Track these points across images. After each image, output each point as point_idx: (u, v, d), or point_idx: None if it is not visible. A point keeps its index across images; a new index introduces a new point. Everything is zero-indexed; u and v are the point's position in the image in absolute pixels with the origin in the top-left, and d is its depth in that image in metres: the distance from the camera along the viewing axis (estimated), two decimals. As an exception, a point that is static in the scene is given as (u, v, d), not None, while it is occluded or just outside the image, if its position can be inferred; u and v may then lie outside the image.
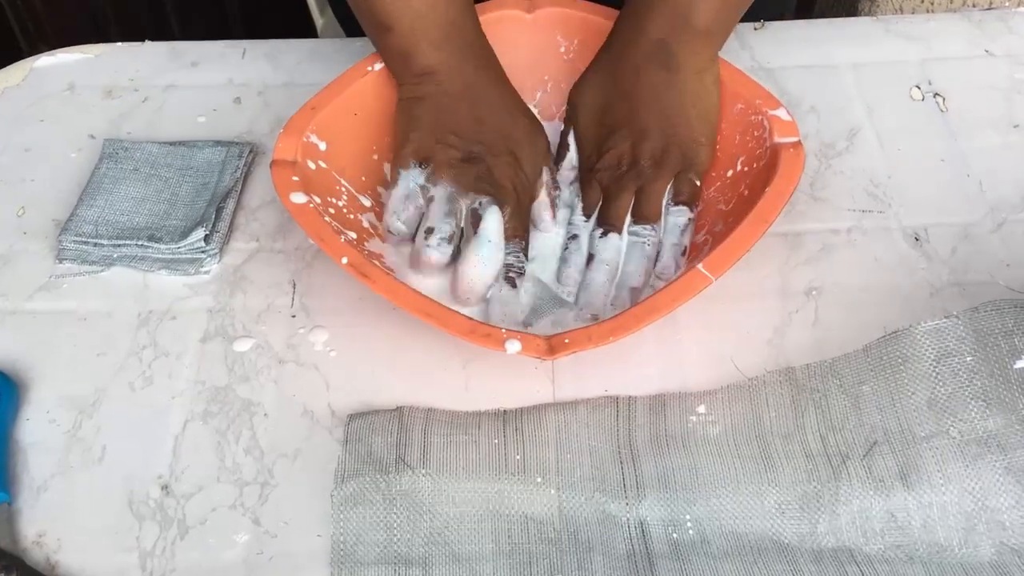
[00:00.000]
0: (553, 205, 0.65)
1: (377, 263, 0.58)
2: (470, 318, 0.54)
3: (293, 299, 0.62)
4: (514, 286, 0.60)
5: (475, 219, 0.60)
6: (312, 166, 0.61)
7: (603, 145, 0.64)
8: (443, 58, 0.63)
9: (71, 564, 0.51)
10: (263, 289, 0.63)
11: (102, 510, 0.53)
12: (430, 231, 0.60)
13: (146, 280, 0.63)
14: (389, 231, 0.62)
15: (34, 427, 0.56)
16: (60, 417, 0.57)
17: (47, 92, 0.76)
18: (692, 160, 0.63)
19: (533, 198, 0.64)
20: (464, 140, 0.62)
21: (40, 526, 0.52)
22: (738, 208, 0.60)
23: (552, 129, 0.69)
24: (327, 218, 0.58)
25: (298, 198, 0.58)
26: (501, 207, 0.60)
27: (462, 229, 0.61)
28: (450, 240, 0.60)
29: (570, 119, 0.67)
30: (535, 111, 0.70)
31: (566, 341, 0.53)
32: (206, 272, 0.63)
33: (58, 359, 0.59)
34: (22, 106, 0.75)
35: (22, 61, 0.78)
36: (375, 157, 0.66)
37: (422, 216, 0.61)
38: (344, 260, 0.55)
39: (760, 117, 0.61)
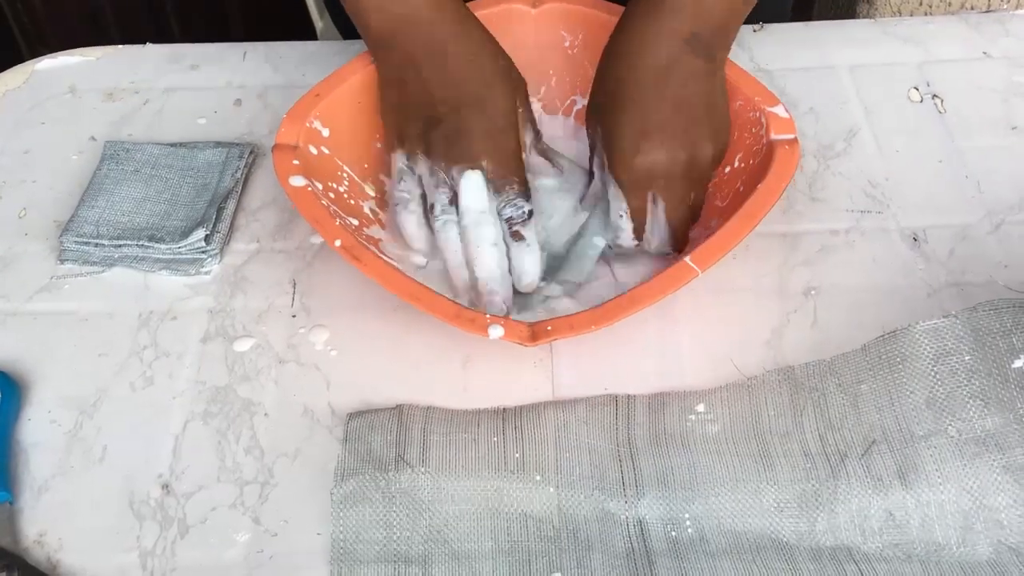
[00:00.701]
0: (546, 155, 0.63)
1: (373, 248, 0.58)
2: (456, 302, 0.54)
3: (293, 299, 0.62)
4: (520, 238, 0.58)
5: (455, 197, 0.59)
6: (314, 151, 0.62)
7: (641, 143, 0.58)
8: (392, 17, 0.61)
9: (72, 563, 0.51)
10: (263, 289, 0.63)
11: (103, 510, 0.53)
12: (432, 207, 0.60)
13: (147, 280, 0.63)
14: (396, 205, 0.62)
15: (35, 427, 0.56)
16: (61, 417, 0.57)
17: (48, 94, 0.76)
18: (717, 157, 0.61)
19: (518, 139, 0.60)
20: (426, 105, 0.60)
21: (41, 526, 0.52)
22: (734, 204, 0.59)
23: (556, 125, 0.69)
24: (325, 202, 0.59)
25: (297, 181, 0.58)
26: (477, 167, 0.58)
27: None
28: (451, 202, 0.59)
29: (590, 122, 0.62)
30: (539, 106, 0.70)
31: (548, 328, 0.53)
32: (207, 272, 0.64)
33: (59, 359, 0.59)
34: (23, 108, 0.75)
35: (23, 64, 0.79)
36: (378, 145, 0.66)
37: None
38: (337, 243, 0.56)
39: (758, 114, 0.61)
